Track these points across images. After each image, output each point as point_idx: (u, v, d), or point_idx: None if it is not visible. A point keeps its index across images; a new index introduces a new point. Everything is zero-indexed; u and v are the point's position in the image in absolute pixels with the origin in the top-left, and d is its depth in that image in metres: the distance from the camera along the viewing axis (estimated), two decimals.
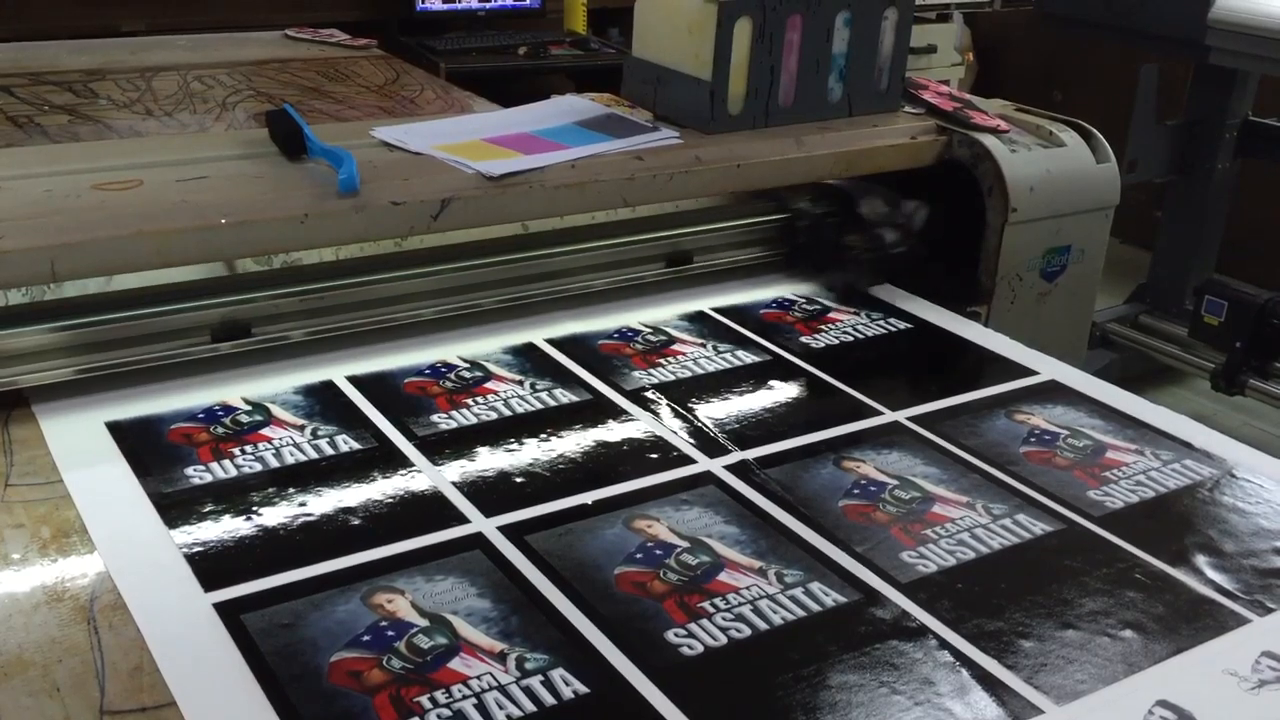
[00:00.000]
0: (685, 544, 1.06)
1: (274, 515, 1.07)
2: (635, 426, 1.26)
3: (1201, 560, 1.08)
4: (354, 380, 1.31)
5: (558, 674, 0.90)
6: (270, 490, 1.11)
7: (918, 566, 1.05)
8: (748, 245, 1.66)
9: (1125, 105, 3.41)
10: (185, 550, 1.01)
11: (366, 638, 0.92)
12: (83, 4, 3.58)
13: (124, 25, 3.42)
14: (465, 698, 0.87)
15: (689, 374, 1.38)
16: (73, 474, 1.11)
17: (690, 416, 1.28)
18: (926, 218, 1.61)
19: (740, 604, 0.99)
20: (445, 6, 4.01)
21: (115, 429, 1.19)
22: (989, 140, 1.63)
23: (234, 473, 1.13)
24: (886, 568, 1.05)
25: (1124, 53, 3.98)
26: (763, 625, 0.97)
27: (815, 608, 0.99)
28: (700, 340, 1.46)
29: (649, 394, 1.33)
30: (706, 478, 1.17)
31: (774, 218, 1.65)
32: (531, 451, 1.20)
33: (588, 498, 1.12)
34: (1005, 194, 1.60)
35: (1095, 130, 1.72)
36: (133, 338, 1.26)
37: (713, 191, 1.59)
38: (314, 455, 1.17)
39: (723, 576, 1.02)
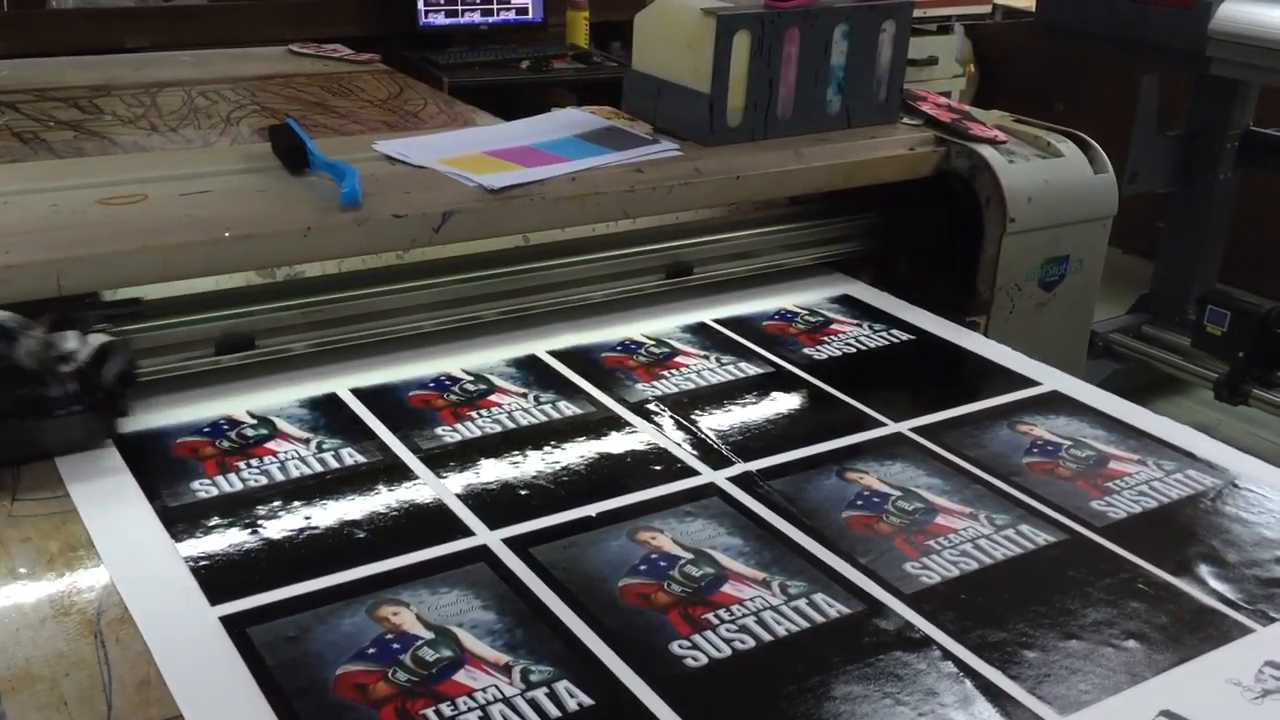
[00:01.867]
0: (689, 556, 1.06)
1: (280, 529, 1.08)
2: (639, 439, 1.26)
3: (1204, 570, 1.08)
4: (357, 392, 1.32)
5: (562, 686, 0.90)
6: (276, 504, 1.11)
7: (921, 577, 1.05)
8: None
9: (1127, 116, 3.41)
10: (191, 564, 1.02)
11: (372, 650, 0.92)
12: (87, 20, 3.60)
13: (128, 41, 3.44)
14: (471, 710, 0.87)
15: (692, 386, 1.38)
16: (79, 488, 1.12)
17: (693, 428, 1.29)
18: (124, 358, 1.17)
19: (744, 615, 0.99)
20: (448, 21, 4.03)
21: (120, 441, 1.19)
22: (987, 151, 1.64)
23: (240, 486, 1.13)
24: (890, 579, 1.05)
25: (1125, 64, 3.98)
26: (767, 636, 0.97)
27: (819, 619, 0.99)
28: (703, 352, 1.47)
29: (652, 406, 1.33)
30: (710, 489, 1.17)
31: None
32: (535, 464, 1.20)
33: (592, 510, 1.12)
34: (1003, 204, 1.61)
35: (1093, 141, 1.72)
36: (137, 351, 1.27)
37: (712, 203, 1.60)
38: (319, 469, 1.17)
39: (727, 588, 1.02)
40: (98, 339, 1.16)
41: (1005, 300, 1.65)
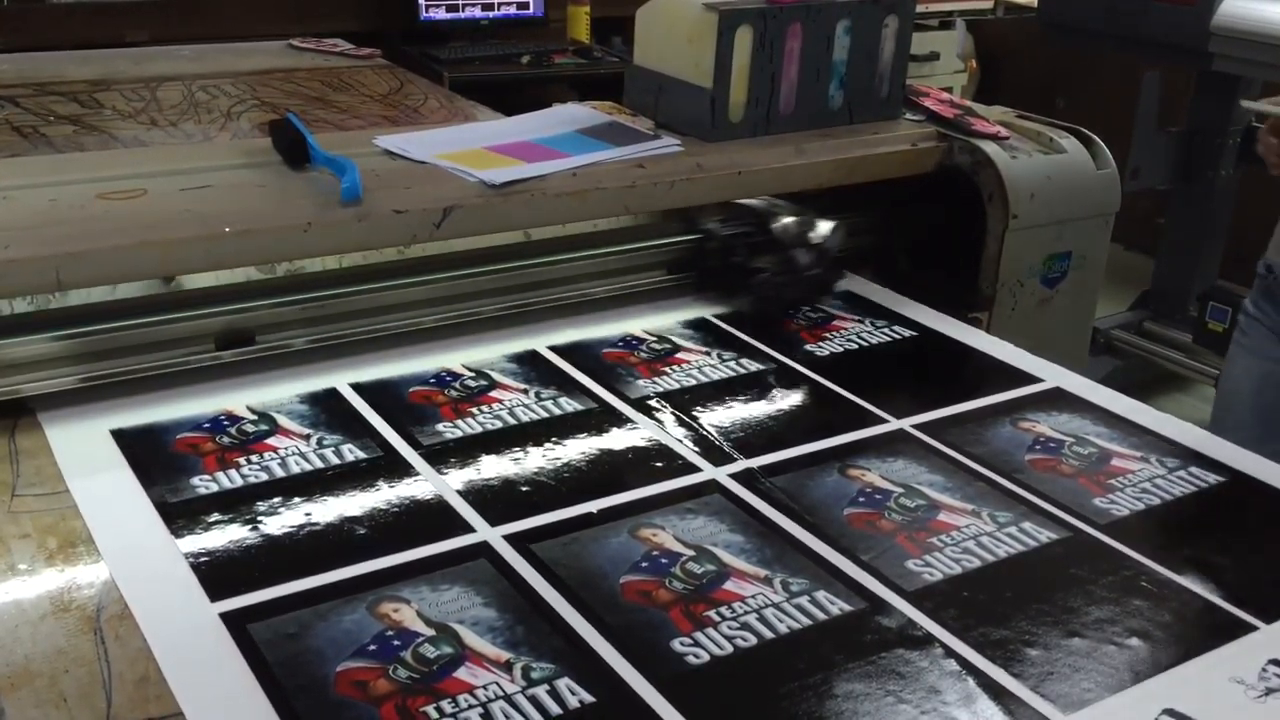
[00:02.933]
0: (690, 553, 1.06)
1: (280, 525, 1.07)
2: (640, 435, 1.26)
3: (1207, 568, 1.08)
4: (357, 388, 1.31)
5: (563, 683, 0.90)
6: (276, 500, 1.11)
7: (923, 575, 1.05)
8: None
9: (1128, 113, 3.41)
10: (191, 560, 1.01)
11: (372, 647, 0.92)
12: (87, 14, 3.59)
13: (128, 35, 3.43)
14: (471, 707, 0.87)
15: (693, 382, 1.38)
16: (79, 484, 1.11)
17: (695, 425, 1.28)
18: (843, 239, 1.55)
19: (746, 613, 0.99)
20: (448, 16, 4.02)
21: (120, 437, 1.19)
22: (989, 147, 1.64)
23: (240, 482, 1.13)
24: (892, 576, 1.04)
25: (1127, 60, 3.98)
26: (768, 634, 0.96)
27: (821, 616, 0.99)
28: (704, 348, 1.46)
29: (653, 402, 1.33)
30: (711, 486, 1.17)
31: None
32: (536, 460, 1.20)
33: (593, 507, 1.12)
34: (1005, 200, 1.61)
35: (1095, 136, 1.72)
36: (137, 346, 1.27)
37: (715, 199, 1.59)
38: (319, 465, 1.17)
39: (728, 585, 1.02)
40: (830, 223, 1.52)
41: (1007, 297, 1.65)
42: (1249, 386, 1.84)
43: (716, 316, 1.55)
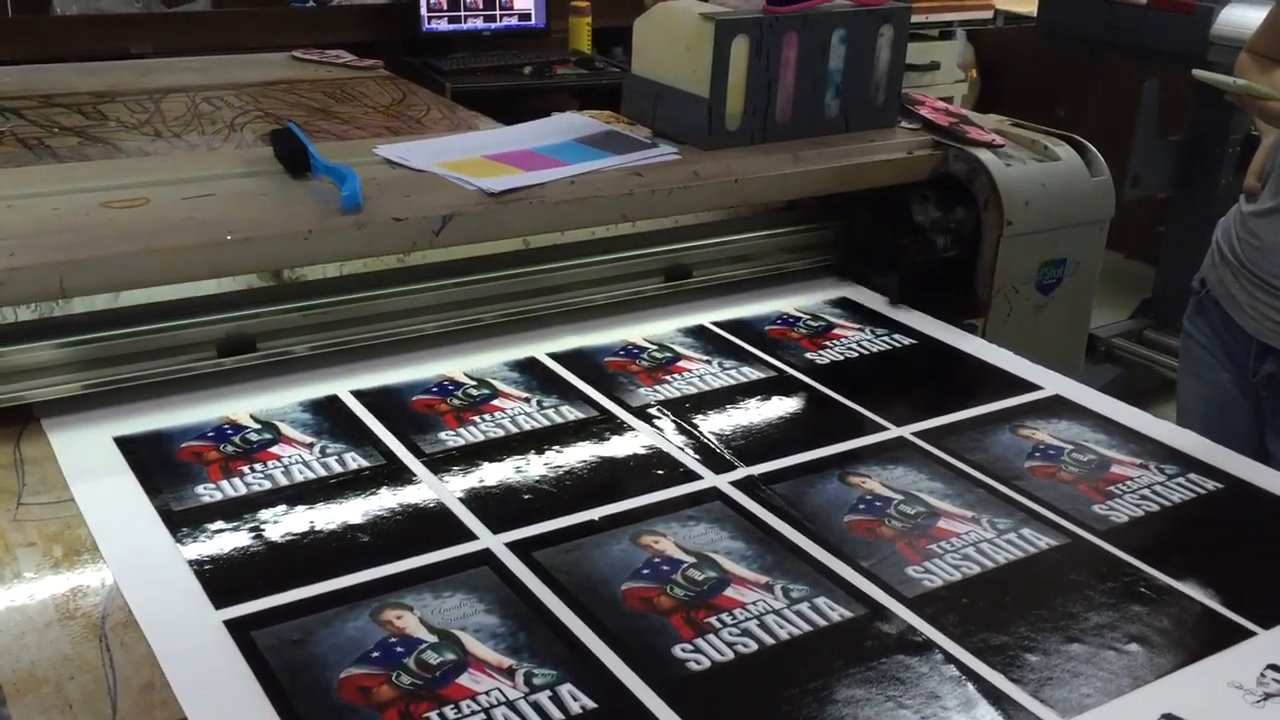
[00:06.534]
0: (691, 559, 1.06)
1: (284, 532, 1.08)
2: (641, 443, 1.27)
3: (1206, 573, 1.08)
4: (359, 395, 1.32)
5: (565, 689, 0.90)
6: (280, 508, 1.11)
7: (923, 581, 1.05)
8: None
9: (1129, 121, 3.41)
10: (196, 567, 1.02)
11: (376, 654, 0.92)
12: (92, 27, 3.60)
13: (132, 47, 3.44)
14: (474, 713, 0.87)
15: (694, 390, 1.39)
16: (83, 492, 1.12)
17: (696, 432, 1.29)
18: (975, 225, 1.64)
19: (746, 619, 0.99)
20: (451, 27, 4.03)
21: (124, 444, 1.20)
22: (984, 154, 1.64)
23: (244, 490, 1.14)
24: (892, 582, 1.05)
25: (1127, 69, 3.99)
26: (769, 640, 0.97)
27: (821, 623, 0.99)
28: (705, 356, 1.47)
29: (654, 410, 1.33)
30: (712, 493, 1.18)
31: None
32: (538, 468, 1.20)
33: (594, 514, 1.13)
34: (1000, 207, 1.61)
35: (1089, 144, 1.73)
36: (140, 353, 1.28)
37: (711, 206, 1.60)
38: (323, 473, 1.17)
39: (729, 592, 1.02)
40: (962, 211, 1.62)
41: (1003, 303, 1.66)
42: (1198, 409, 1.83)
43: (715, 324, 1.56)
